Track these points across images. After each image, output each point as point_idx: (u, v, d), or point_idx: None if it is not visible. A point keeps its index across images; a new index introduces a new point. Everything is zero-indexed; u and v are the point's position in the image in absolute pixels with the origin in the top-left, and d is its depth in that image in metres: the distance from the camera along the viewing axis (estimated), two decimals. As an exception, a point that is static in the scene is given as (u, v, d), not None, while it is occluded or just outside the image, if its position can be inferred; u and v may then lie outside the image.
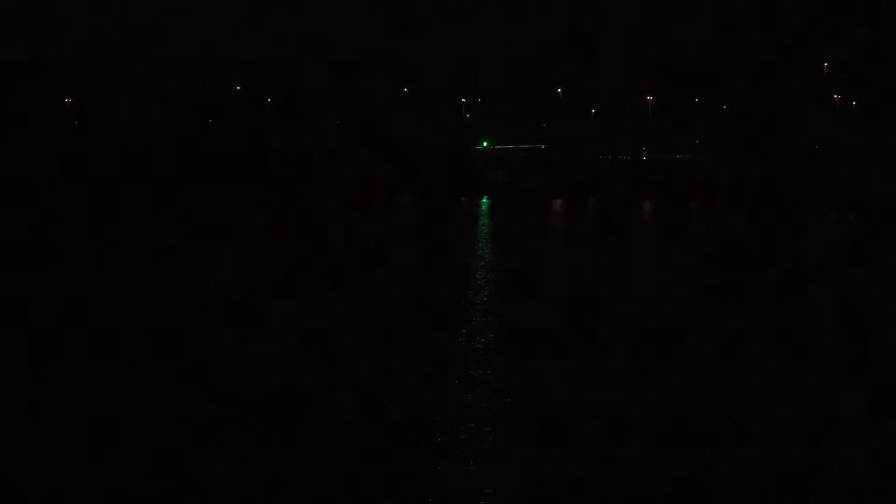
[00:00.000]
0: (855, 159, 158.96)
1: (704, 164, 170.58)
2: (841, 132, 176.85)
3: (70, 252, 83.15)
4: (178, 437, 33.56)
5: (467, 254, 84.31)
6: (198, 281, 67.90)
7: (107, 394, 38.48)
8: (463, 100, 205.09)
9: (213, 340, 48.45)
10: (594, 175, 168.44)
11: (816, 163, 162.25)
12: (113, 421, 35.07)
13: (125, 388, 39.25)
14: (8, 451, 32.23)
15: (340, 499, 28.74)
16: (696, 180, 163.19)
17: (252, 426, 34.75)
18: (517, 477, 30.16)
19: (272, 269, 73.82)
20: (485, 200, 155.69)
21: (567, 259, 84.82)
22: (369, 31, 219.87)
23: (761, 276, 71.53)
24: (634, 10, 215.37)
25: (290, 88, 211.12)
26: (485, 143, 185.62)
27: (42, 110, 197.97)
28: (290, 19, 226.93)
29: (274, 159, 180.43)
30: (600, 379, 41.35)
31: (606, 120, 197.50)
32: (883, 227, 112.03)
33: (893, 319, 53.86)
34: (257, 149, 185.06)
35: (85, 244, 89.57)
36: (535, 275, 72.96)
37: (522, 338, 49.08)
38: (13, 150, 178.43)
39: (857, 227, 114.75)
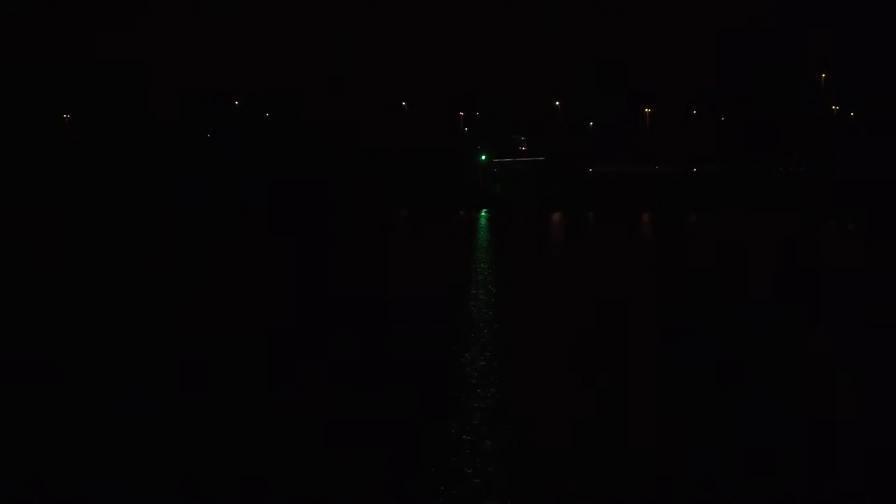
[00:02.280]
0: (850, 167, 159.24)
1: (704, 175, 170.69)
2: (836, 141, 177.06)
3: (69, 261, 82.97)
4: (177, 442, 33.51)
5: (464, 267, 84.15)
6: (199, 293, 67.70)
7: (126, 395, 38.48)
8: (462, 113, 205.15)
9: (216, 345, 48.47)
10: (593, 187, 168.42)
11: (814, 172, 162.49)
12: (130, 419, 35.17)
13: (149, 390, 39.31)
14: (8, 452, 32.30)
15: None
16: (696, 191, 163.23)
17: (248, 427, 34.75)
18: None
19: (270, 280, 73.65)
20: (483, 213, 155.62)
21: (567, 271, 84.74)
22: (368, 44, 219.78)
23: (761, 285, 71.53)
24: (633, 23, 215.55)
25: (289, 103, 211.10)
26: (483, 157, 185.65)
27: (41, 127, 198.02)
28: (288, 32, 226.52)
29: (274, 173, 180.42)
30: (600, 395, 41.28)
31: (605, 133, 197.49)
32: (882, 235, 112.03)
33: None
34: (256, 162, 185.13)
35: (93, 257, 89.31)
36: (534, 289, 72.81)
37: (522, 355, 48.95)
38: (11, 165, 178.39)
39: (857, 235, 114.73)
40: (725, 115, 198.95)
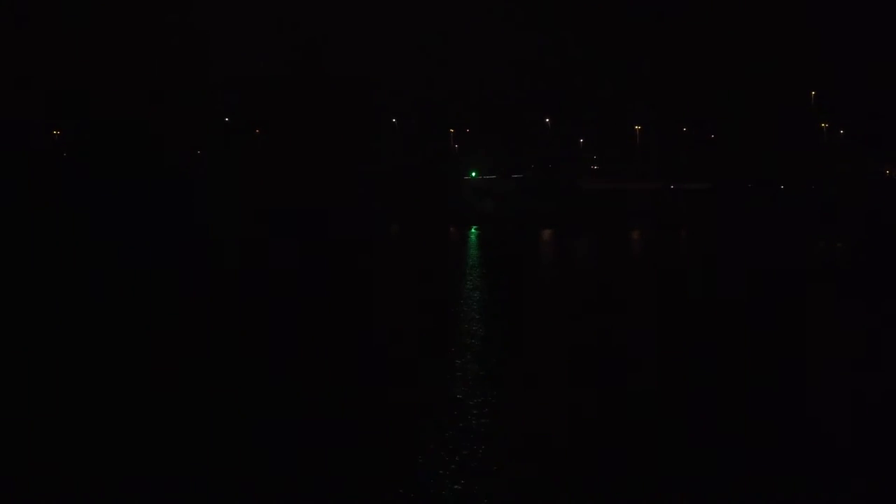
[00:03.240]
0: (843, 186, 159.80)
1: (695, 192, 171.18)
2: (828, 160, 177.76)
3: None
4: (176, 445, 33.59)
5: (454, 284, 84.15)
6: (198, 308, 67.60)
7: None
8: (452, 130, 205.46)
9: (218, 352, 48.75)
10: (583, 204, 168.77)
11: (806, 189, 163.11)
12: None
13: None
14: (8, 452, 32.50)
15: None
16: (686, 208, 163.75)
17: (246, 428, 34.95)
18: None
19: (264, 297, 73.63)
20: (473, 230, 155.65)
21: (557, 287, 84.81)
22: (359, 63, 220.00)
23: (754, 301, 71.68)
24: (624, 38, 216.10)
25: (281, 120, 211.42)
26: (473, 174, 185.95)
27: (30, 143, 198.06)
28: (282, 50, 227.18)
29: (266, 190, 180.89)
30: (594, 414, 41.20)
31: (596, 150, 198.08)
32: (872, 253, 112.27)
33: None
34: (250, 178, 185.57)
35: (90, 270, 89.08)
36: (525, 305, 72.78)
37: (515, 370, 48.87)
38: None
39: (846, 253, 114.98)
40: (716, 132, 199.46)
